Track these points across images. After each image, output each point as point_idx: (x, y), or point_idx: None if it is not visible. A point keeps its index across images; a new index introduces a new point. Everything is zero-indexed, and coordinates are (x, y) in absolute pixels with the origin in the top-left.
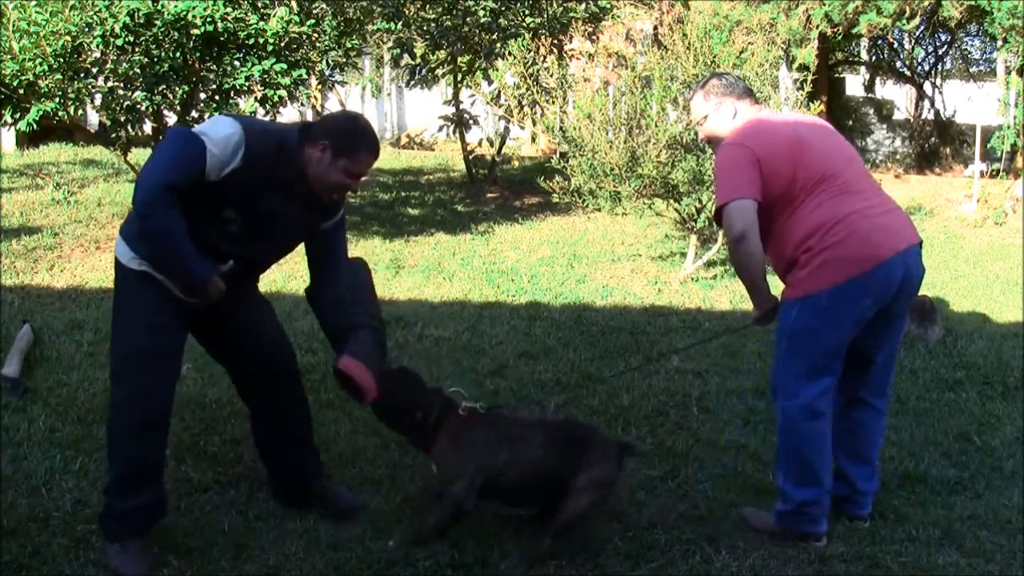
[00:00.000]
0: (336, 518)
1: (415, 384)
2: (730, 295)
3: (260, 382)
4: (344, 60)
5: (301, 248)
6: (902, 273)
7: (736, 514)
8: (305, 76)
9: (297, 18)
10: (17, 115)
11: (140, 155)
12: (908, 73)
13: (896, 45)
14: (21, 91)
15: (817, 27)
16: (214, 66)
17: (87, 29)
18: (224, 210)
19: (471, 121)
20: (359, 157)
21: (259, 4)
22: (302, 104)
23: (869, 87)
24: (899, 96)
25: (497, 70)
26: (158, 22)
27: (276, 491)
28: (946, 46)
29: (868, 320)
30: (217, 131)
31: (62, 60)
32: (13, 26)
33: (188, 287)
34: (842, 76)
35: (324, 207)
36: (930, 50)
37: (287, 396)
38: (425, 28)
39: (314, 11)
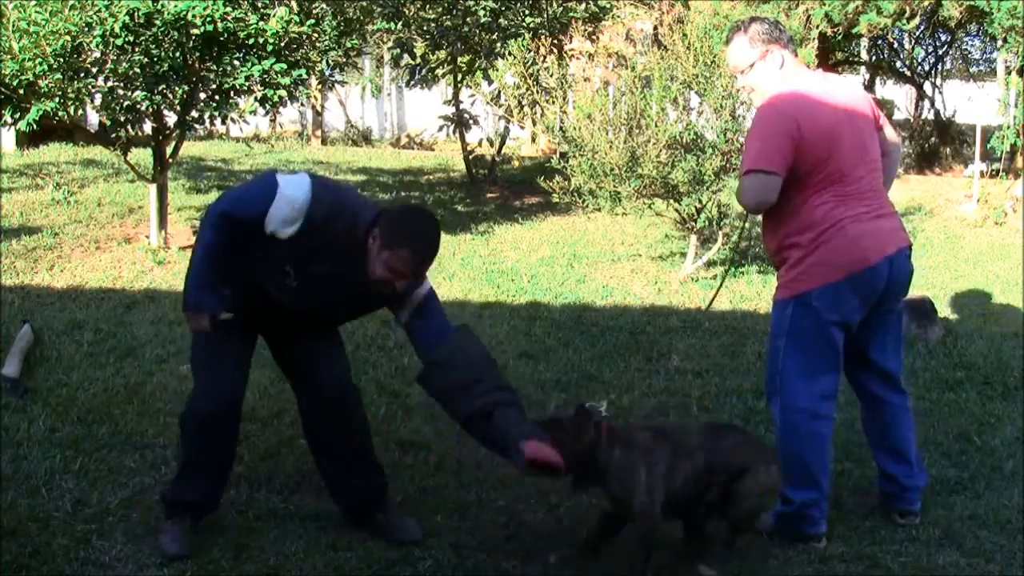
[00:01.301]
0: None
1: (569, 427)
2: (730, 295)
3: (316, 409)
4: (344, 60)
5: None
6: (887, 274)
7: None
8: (305, 76)
9: (297, 18)
10: (17, 115)
11: (140, 155)
12: (908, 73)
13: (896, 45)
14: (21, 91)
15: (817, 27)
16: (214, 66)
17: (87, 29)
18: (285, 264)
19: (471, 121)
20: (399, 253)
21: (259, 4)
22: (302, 104)
23: (869, 87)
24: (899, 96)
25: (497, 70)
26: (158, 22)
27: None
28: (946, 46)
29: (861, 321)
30: (291, 189)
31: (62, 60)
32: (13, 26)
33: (184, 303)
34: (842, 76)
35: (388, 294)
36: (930, 50)
37: (340, 424)
38: (425, 28)
39: (314, 11)
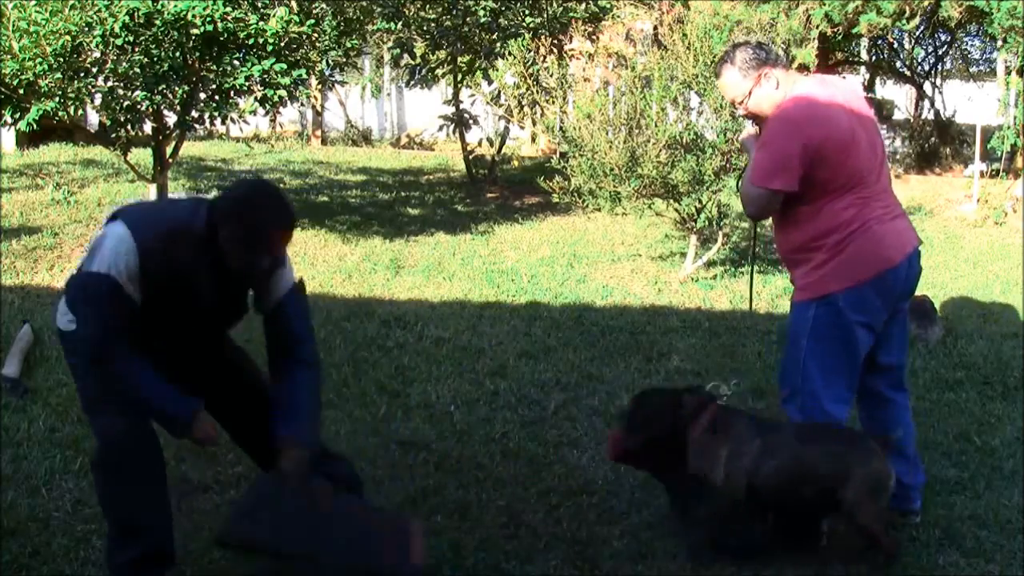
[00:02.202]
0: None
1: (657, 403)
2: (730, 295)
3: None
4: (344, 60)
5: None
6: (905, 275)
7: None
8: (305, 76)
9: (297, 18)
10: (17, 115)
11: (140, 155)
12: (908, 73)
13: (896, 45)
14: (21, 91)
15: (817, 27)
16: (214, 66)
17: (87, 29)
18: (151, 313)
19: (471, 121)
20: (247, 233)
21: (259, 4)
22: (302, 104)
23: (869, 87)
24: (899, 96)
25: (497, 70)
26: (158, 22)
27: None
28: (946, 46)
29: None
30: (113, 256)
31: (62, 60)
32: (13, 26)
33: (174, 429)
34: (842, 76)
35: (257, 281)
36: (930, 50)
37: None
38: (425, 28)
39: (314, 11)
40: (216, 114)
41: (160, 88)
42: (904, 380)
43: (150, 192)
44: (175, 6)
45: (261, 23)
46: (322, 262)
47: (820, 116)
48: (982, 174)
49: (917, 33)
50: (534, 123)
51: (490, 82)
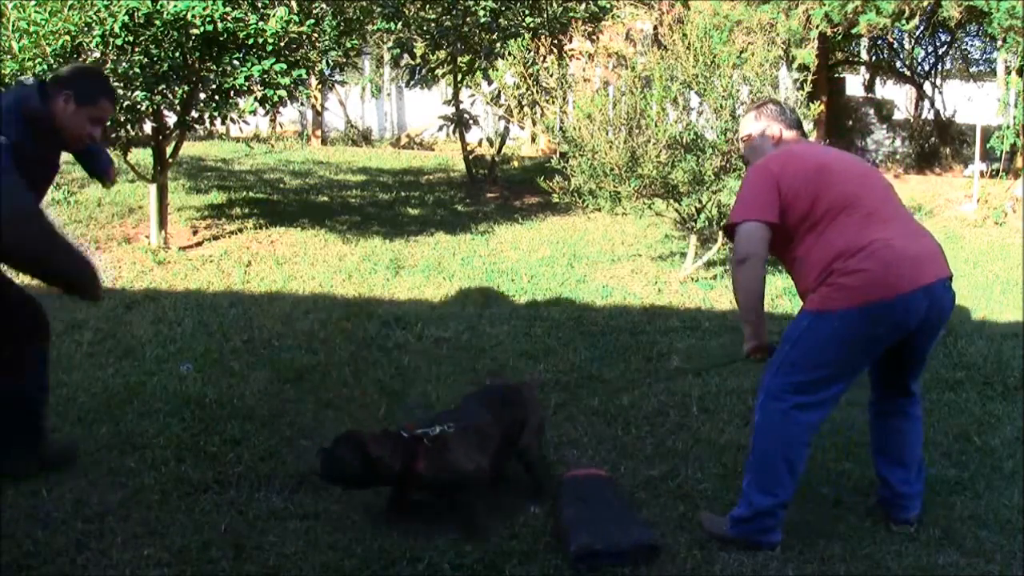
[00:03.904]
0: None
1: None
2: (730, 295)
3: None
4: (344, 60)
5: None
6: (925, 307)
7: (696, 518)
8: (305, 76)
9: (297, 18)
10: None
11: (140, 155)
12: (908, 73)
13: (896, 45)
14: None
15: (817, 27)
16: (214, 66)
17: (86, 29)
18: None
19: (471, 121)
20: (101, 104)
21: (259, 4)
22: (302, 104)
23: (869, 87)
24: (899, 96)
25: (497, 70)
26: (157, 22)
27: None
28: (946, 46)
29: (898, 346)
30: None
31: (62, 60)
32: (13, 26)
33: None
34: (842, 76)
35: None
36: (930, 50)
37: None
38: (425, 28)
39: (314, 11)
40: (216, 114)
41: (160, 88)
42: (918, 391)
43: (150, 192)
44: (175, 6)
45: (261, 23)
46: (322, 262)
47: (788, 155)
48: (982, 174)
49: (917, 33)
50: (534, 123)
51: (490, 82)
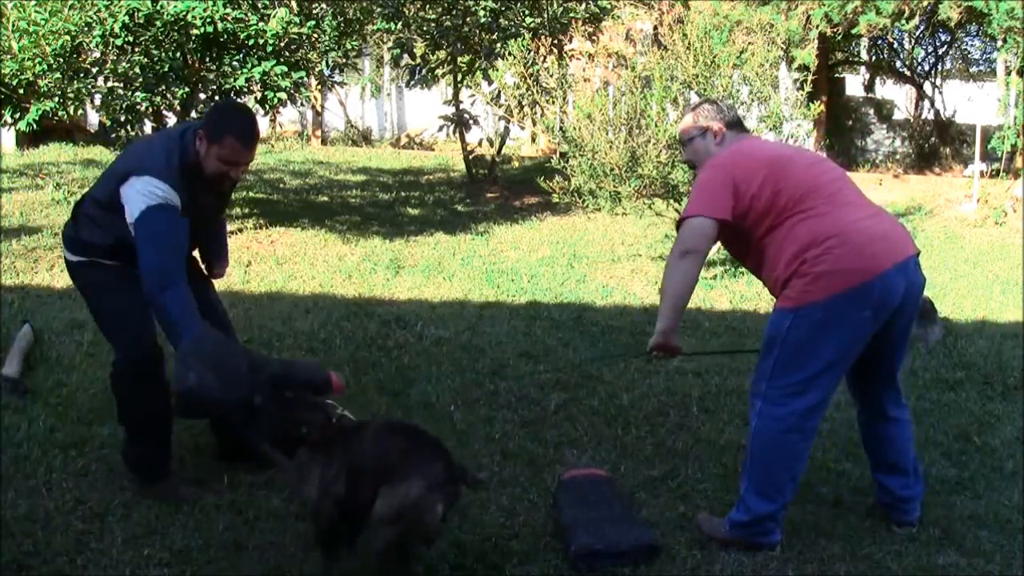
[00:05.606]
0: None
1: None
2: (730, 295)
3: None
4: (344, 60)
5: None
6: (903, 285)
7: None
8: (305, 78)
9: (297, 19)
10: (17, 115)
11: None
12: (908, 73)
13: (896, 45)
14: (21, 91)
15: (817, 27)
16: (214, 67)
17: (87, 29)
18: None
19: (471, 121)
20: (225, 142)
21: (259, 5)
22: (302, 104)
23: (869, 87)
24: (899, 96)
25: (497, 70)
26: (158, 22)
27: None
28: (946, 46)
29: (875, 334)
30: (162, 190)
31: (62, 60)
32: (13, 26)
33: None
34: (842, 76)
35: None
36: (930, 50)
37: None
38: (425, 28)
39: (314, 12)
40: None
41: (160, 89)
42: (901, 395)
43: None
44: (175, 6)
45: (261, 24)
46: (322, 262)
47: (739, 152)
48: (982, 174)
49: (917, 33)
50: (534, 123)
51: (490, 82)
